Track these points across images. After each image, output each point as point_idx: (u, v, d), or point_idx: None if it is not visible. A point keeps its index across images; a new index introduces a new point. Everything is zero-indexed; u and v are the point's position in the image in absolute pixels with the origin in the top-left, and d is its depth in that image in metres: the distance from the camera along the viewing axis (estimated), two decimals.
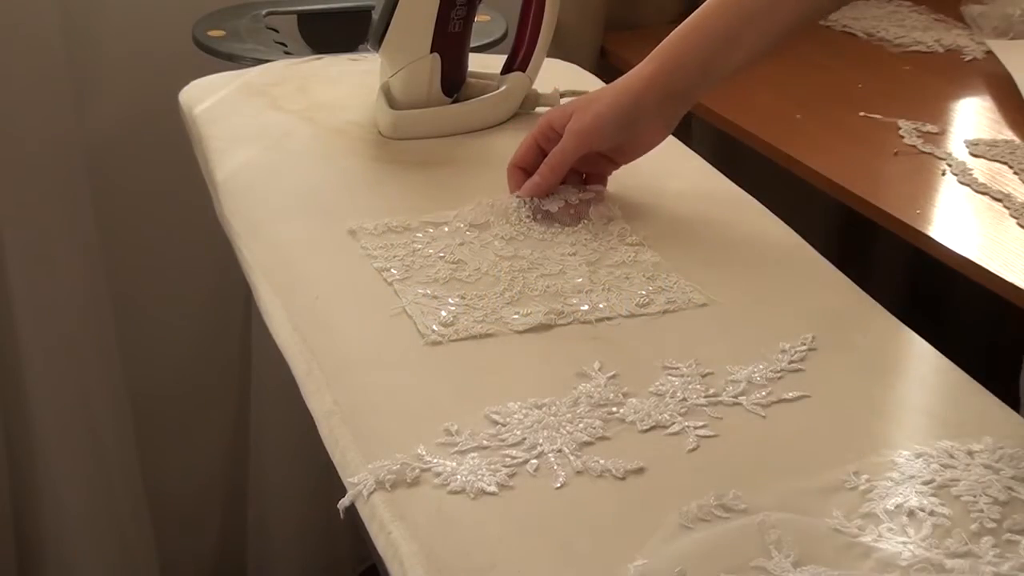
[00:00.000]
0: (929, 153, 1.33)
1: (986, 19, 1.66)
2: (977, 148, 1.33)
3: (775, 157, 1.37)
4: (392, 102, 1.12)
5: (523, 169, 1.01)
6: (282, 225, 0.98)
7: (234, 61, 1.41)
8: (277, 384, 1.69)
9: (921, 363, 0.84)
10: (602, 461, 0.72)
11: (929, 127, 1.38)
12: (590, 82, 1.25)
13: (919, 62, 1.59)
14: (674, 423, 0.76)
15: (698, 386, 0.79)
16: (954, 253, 1.15)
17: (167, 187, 1.67)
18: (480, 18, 1.32)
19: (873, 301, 0.90)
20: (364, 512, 0.71)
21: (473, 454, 0.73)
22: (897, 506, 0.69)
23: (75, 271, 1.62)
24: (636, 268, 0.92)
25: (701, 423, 0.76)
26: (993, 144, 1.34)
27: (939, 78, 1.54)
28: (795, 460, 0.73)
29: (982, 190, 1.25)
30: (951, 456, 0.73)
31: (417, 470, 0.72)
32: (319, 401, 0.79)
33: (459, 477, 0.71)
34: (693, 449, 0.74)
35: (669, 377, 0.80)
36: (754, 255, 0.95)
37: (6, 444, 1.67)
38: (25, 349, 1.63)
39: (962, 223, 1.21)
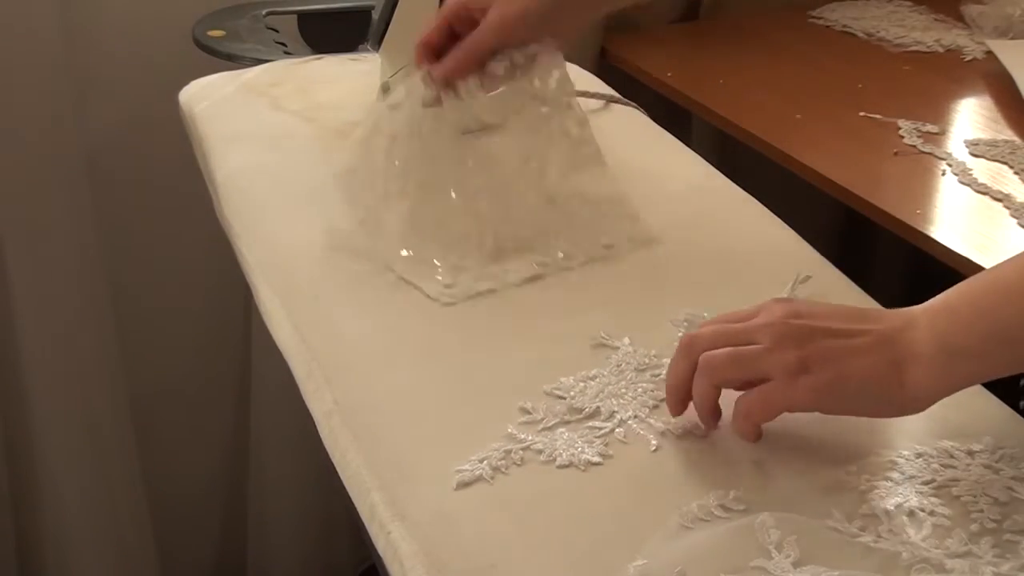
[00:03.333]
0: (929, 153, 1.33)
1: (986, 19, 1.66)
2: (977, 148, 1.33)
3: (775, 157, 1.37)
4: None
5: (431, 48, 0.94)
6: (282, 225, 0.98)
7: (234, 61, 1.41)
8: (277, 384, 1.69)
9: None
10: (682, 421, 0.75)
11: (929, 127, 1.38)
12: (590, 82, 1.25)
13: (919, 62, 1.59)
14: None
15: None
16: (954, 253, 1.15)
17: (167, 187, 1.67)
18: None
19: (873, 301, 0.90)
20: (364, 512, 0.71)
21: (561, 429, 0.75)
22: (897, 506, 0.69)
23: (75, 271, 1.62)
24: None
25: None
26: (993, 144, 1.34)
27: (939, 78, 1.54)
28: (795, 460, 0.73)
29: (982, 190, 1.25)
30: (951, 456, 0.73)
31: (520, 452, 0.73)
32: (319, 401, 0.79)
33: (562, 452, 0.73)
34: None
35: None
36: (754, 255, 0.95)
37: (6, 444, 1.67)
38: (25, 349, 1.63)
39: (962, 223, 1.21)
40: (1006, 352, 0.69)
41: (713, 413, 0.74)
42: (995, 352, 0.69)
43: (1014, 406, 0.80)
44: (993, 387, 0.81)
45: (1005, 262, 0.72)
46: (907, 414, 0.72)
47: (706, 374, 0.73)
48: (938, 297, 0.72)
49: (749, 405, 0.72)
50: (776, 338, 0.71)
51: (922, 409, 0.71)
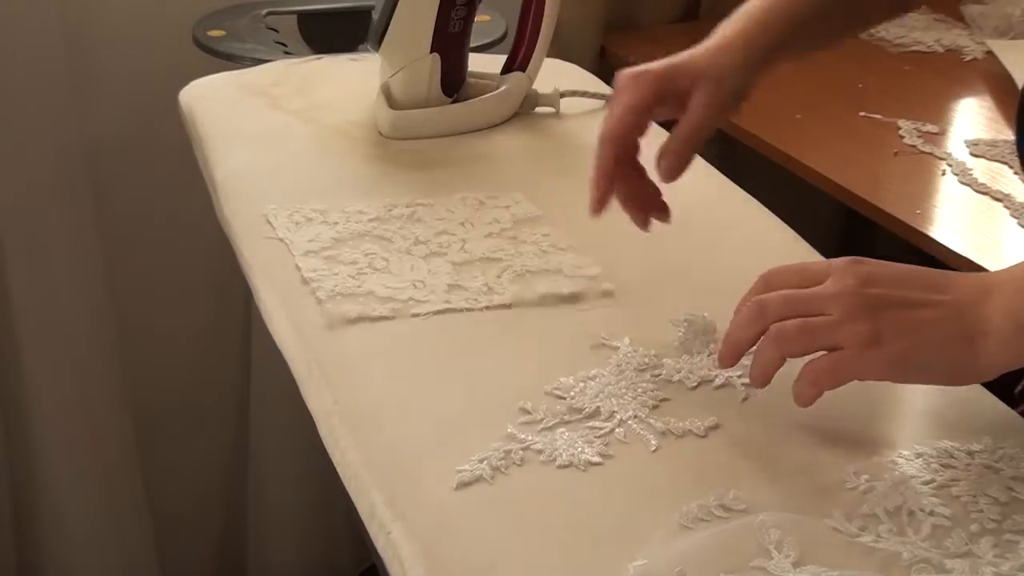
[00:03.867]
0: (929, 153, 1.33)
1: (986, 19, 1.66)
2: (977, 148, 1.33)
3: (775, 157, 1.37)
4: (392, 102, 1.12)
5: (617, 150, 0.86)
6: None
7: (234, 61, 1.41)
8: (277, 385, 1.69)
9: None
10: (680, 421, 0.75)
11: (929, 127, 1.38)
12: (590, 82, 1.25)
13: (919, 62, 1.59)
14: (716, 376, 0.80)
15: (715, 339, 0.83)
16: (954, 253, 1.15)
17: (167, 187, 1.67)
18: (480, 18, 1.32)
19: None
20: (364, 512, 0.71)
21: (562, 429, 0.75)
22: (897, 506, 0.69)
23: (75, 271, 1.63)
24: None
25: (738, 372, 0.79)
26: (993, 144, 1.34)
27: (939, 78, 1.54)
28: (795, 460, 0.73)
29: (982, 190, 1.25)
30: (951, 456, 0.73)
31: (520, 452, 0.73)
32: (319, 401, 0.79)
33: (562, 452, 0.73)
34: (745, 399, 0.78)
35: (683, 333, 0.83)
36: (754, 255, 0.95)
37: (6, 446, 1.67)
38: (25, 349, 1.63)
39: (962, 223, 1.21)
40: None
41: (769, 380, 0.73)
42: None
43: (1014, 406, 0.80)
44: (993, 388, 0.81)
45: None
46: (977, 382, 0.73)
47: (777, 345, 0.72)
48: (1016, 266, 0.71)
49: (818, 372, 0.71)
50: (849, 309, 0.70)
51: (991, 378, 0.71)
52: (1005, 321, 0.69)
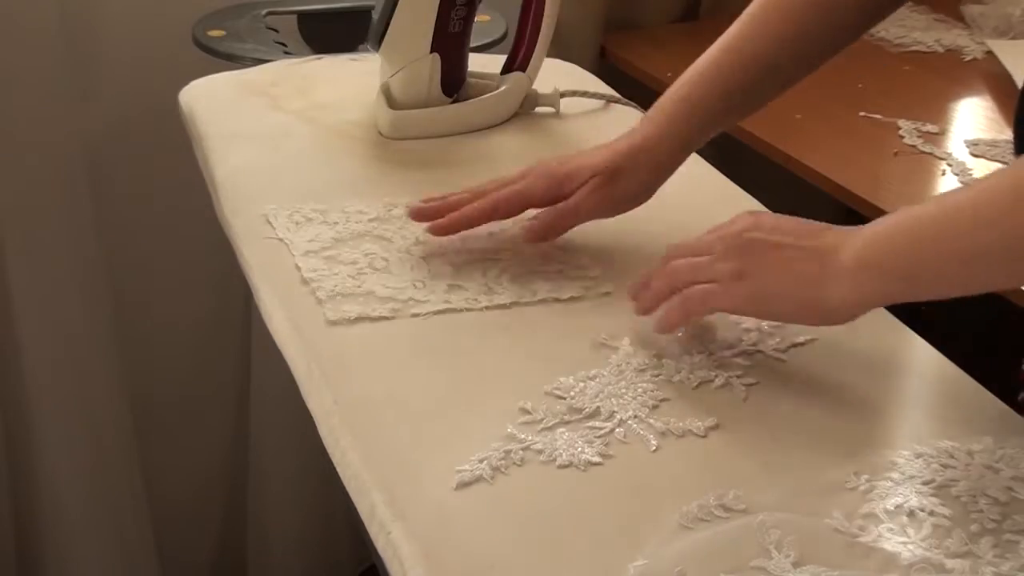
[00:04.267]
0: (929, 153, 1.33)
1: (986, 19, 1.66)
2: (977, 148, 1.33)
3: (775, 157, 1.37)
4: (392, 102, 1.12)
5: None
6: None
7: (234, 61, 1.41)
8: (277, 384, 1.69)
9: (921, 363, 0.84)
10: (680, 421, 0.76)
11: (929, 127, 1.38)
12: (590, 82, 1.25)
13: (919, 62, 1.59)
14: (716, 376, 0.80)
15: (715, 340, 0.84)
16: None
17: (167, 187, 1.67)
18: (480, 18, 1.32)
19: None
20: (364, 512, 0.71)
21: (561, 429, 0.75)
22: (897, 506, 0.69)
23: (75, 271, 1.63)
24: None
25: (738, 373, 0.80)
26: (993, 144, 1.34)
27: (939, 78, 1.54)
28: (795, 460, 0.73)
29: None
30: (951, 456, 0.73)
31: (520, 452, 0.73)
32: (319, 401, 0.79)
33: (562, 452, 0.73)
34: (745, 399, 0.78)
35: (684, 334, 0.84)
36: None
37: (6, 444, 1.67)
38: (25, 349, 1.63)
39: None
40: (928, 282, 0.74)
41: (655, 307, 0.82)
42: (918, 278, 0.74)
43: (1014, 406, 0.80)
44: (993, 388, 0.81)
45: (948, 194, 0.76)
46: (829, 324, 0.78)
47: (665, 277, 0.82)
48: (880, 219, 0.76)
49: (687, 298, 0.80)
50: (726, 249, 0.79)
51: (841, 321, 0.77)
52: (854, 265, 0.74)
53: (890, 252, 0.74)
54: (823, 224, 0.79)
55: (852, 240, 0.75)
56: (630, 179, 0.93)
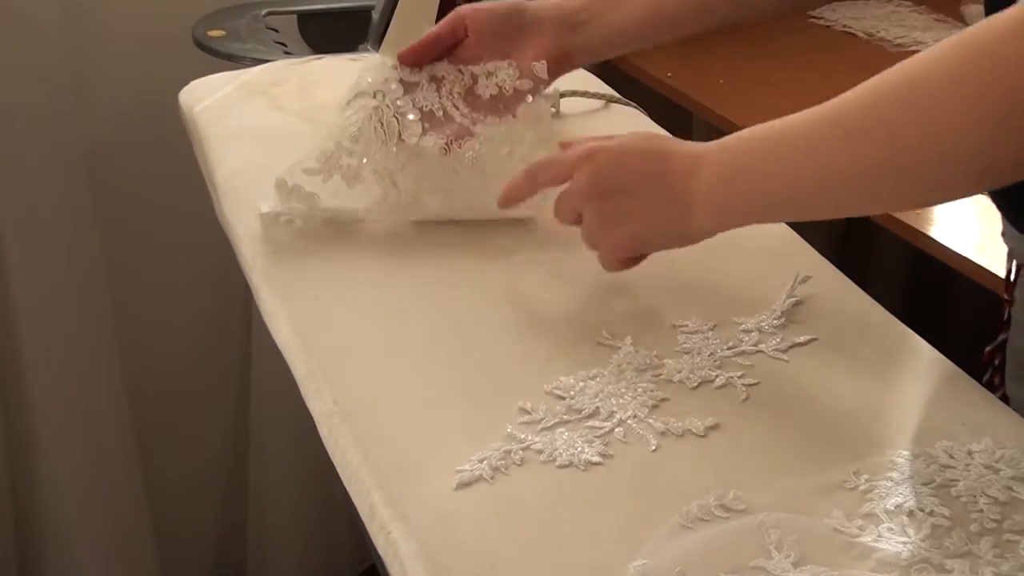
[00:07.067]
0: None
1: None
2: None
3: None
4: None
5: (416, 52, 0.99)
6: (282, 225, 0.98)
7: (234, 61, 1.41)
8: (277, 385, 1.69)
9: (921, 363, 0.84)
10: (680, 421, 0.76)
11: None
12: (590, 82, 1.25)
13: None
14: (716, 376, 0.80)
15: (716, 340, 0.83)
16: (954, 253, 1.15)
17: (167, 187, 1.67)
18: None
19: (873, 301, 0.90)
20: (364, 512, 0.71)
21: (561, 429, 0.75)
22: (897, 506, 0.69)
23: (75, 270, 1.63)
24: None
25: (739, 373, 0.80)
26: None
27: None
28: (795, 460, 0.73)
29: None
30: (951, 456, 0.73)
31: (520, 452, 0.73)
32: (319, 401, 0.79)
33: (562, 452, 0.73)
34: (745, 399, 0.78)
35: (685, 335, 0.84)
36: (754, 255, 0.95)
37: (6, 445, 1.67)
38: (25, 349, 1.63)
39: (962, 223, 1.21)
40: (783, 204, 0.78)
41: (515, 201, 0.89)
42: (775, 200, 0.78)
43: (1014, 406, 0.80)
44: (993, 388, 0.81)
45: (800, 115, 0.76)
46: (702, 240, 0.82)
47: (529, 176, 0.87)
48: (729, 137, 0.79)
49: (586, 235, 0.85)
50: (585, 193, 0.83)
51: (706, 237, 0.81)
52: (713, 189, 0.78)
53: (748, 174, 0.77)
54: (659, 150, 0.81)
55: (705, 164, 0.78)
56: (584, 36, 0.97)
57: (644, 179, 0.81)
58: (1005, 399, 0.84)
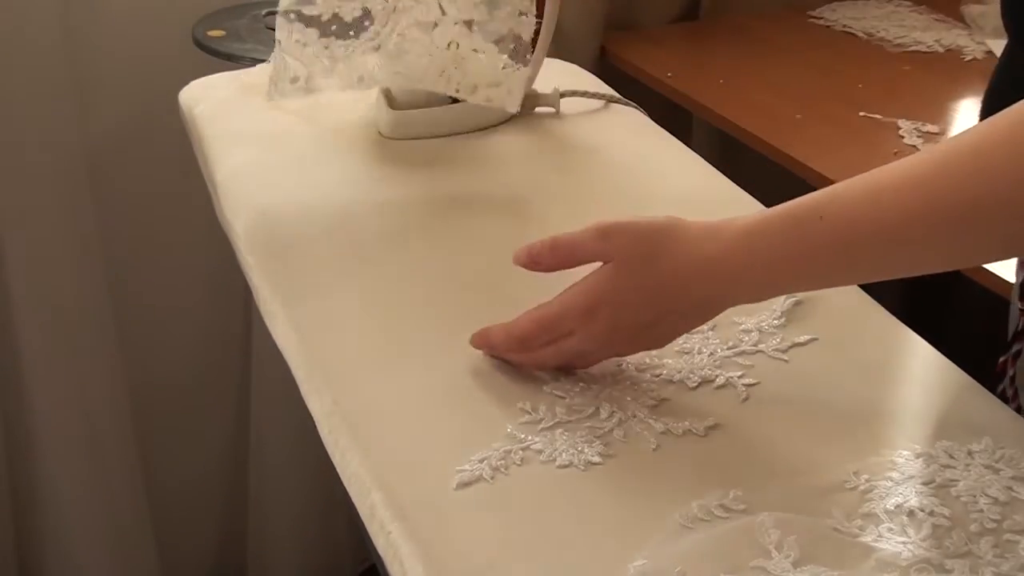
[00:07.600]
0: None
1: (986, 19, 1.66)
2: None
3: (775, 157, 1.37)
4: (392, 102, 1.12)
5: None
6: (282, 225, 0.98)
7: (234, 61, 1.41)
8: (277, 384, 1.69)
9: (921, 363, 0.84)
10: (680, 421, 0.76)
11: (929, 127, 1.38)
12: (590, 82, 1.25)
13: (919, 62, 1.59)
14: (716, 376, 0.80)
15: (716, 339, 0.83)
16: None
17: (167, 187, 1.67)
18: None
19: (873, 301, 0.90)
20: (364, 512, 0.71)
21: (560, 429, 0.75)
22: (897, 506, 0.69)
23: (75, 271, 1.63)
24: None
25: (739, 373, 0.80)
26: None
27: (939, 78, 1.54)
28: (795, 460, 0.73)
29: None
30: (951, 456, 0.73)
31: (520, 452, 0.73)
32: (319, 401, 0.79)
33: (562, 452, 0.73)
34: (745, 399, 0.78)
35: (685, 334, 0.83)
36: None
37: (6, 445, 1.67)
38: (25, 349, 1.63)
39: None
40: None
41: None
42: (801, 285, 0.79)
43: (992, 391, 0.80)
44: (992, 387, 0.81)
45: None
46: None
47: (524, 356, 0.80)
48: (738, 238, 0.75)
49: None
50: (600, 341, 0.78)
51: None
52: (752, 296, 0.77)
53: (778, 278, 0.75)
54: (670, 285, 0.76)
55: (739, 282, 0.75)
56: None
57: (661, 316, 0.77)
58: (1020, 410, 0.84)
